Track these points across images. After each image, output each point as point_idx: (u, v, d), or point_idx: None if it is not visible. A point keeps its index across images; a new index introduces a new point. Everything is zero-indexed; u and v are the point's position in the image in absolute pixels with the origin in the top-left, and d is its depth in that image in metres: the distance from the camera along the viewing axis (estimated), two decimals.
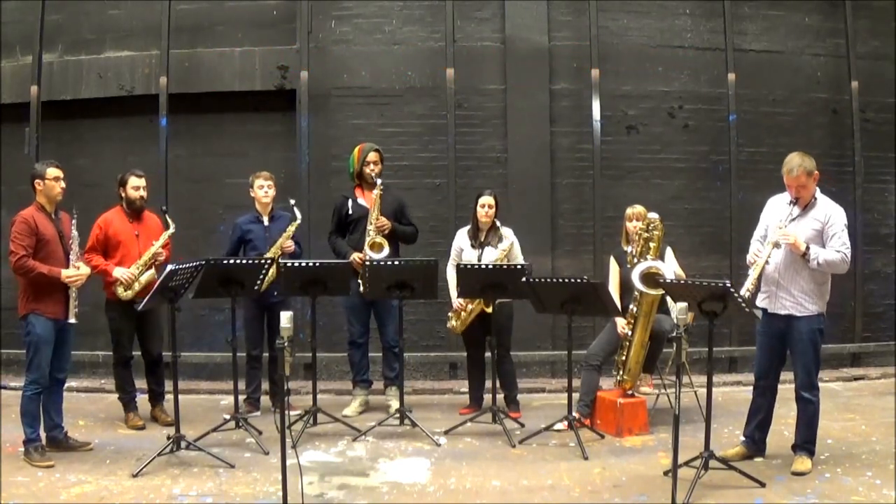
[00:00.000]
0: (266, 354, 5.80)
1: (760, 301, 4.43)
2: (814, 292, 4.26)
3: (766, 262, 4.25)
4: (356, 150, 5.80)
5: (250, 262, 5.28)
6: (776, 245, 4.23)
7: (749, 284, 4.20)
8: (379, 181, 5.60)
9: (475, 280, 5.21)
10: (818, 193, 4.32)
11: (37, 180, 4.71)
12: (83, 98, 7.14)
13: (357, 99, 7.10)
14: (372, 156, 5.70)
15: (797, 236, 4.18)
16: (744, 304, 4.05)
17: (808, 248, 4.16)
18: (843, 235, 4.20)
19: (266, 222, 5.75)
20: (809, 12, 7.32)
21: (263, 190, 5.71)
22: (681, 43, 7.19)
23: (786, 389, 4.47)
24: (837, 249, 4.16)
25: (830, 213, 4.25)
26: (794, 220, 4.27)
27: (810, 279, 4.25)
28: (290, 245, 5.65)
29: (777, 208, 4.41)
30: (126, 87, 7.08)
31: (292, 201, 5.82)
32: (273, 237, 5.67)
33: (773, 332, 4.39)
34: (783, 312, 4.30)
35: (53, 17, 7.09)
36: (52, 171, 4.70)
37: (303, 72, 6.91)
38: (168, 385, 5.29)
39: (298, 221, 5.73)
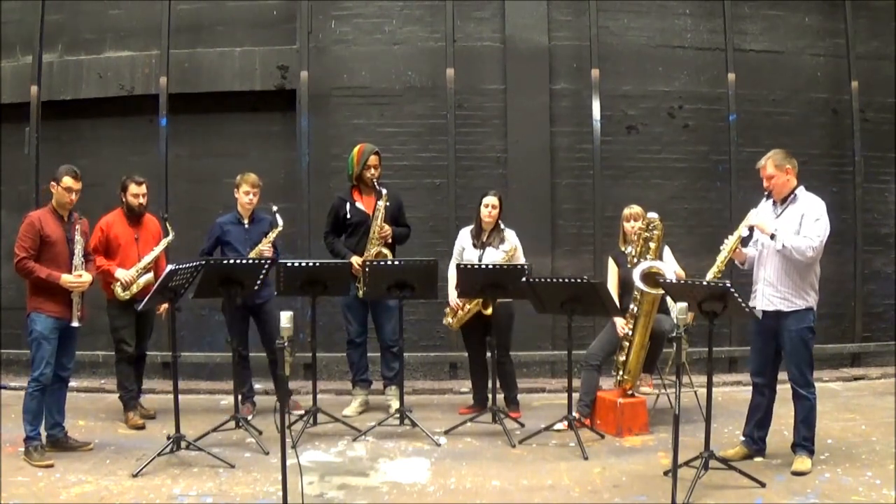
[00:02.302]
0: (252, 354, 5.80)
1: (751, 302, 4.46)
2: (798, 286, 4.31)
3: (735, 250, 4.40)
4: (355, 150, 5.73)
5: (250, 262, 5.27)
6: (741, 236, 4.38)
7: (714, 269, 4.38)
8: (384, 191, 5.56)
9: (475, 280, 5.21)
10: (800, 190, 4.41)
11: (52, 182, 4.71)
12: (83, 98, 7.13)
13: (357, 99, 7.09)
14: (373, 159, 5.64)
15: (762, 221, 4.33)
16: (744, 305, 4.08)
17: (775, 231, 4.28)
18: (815, 224, 4.27)
19: (246, 224, 5.72)
20: (809, 12, 7.31)
21: (249, 197, 5.66)
22: (681, 43, 7.19)
23: (786, 390, 4.46)
24: (805, 235, 4.25)
25: (808, 205, 4.35)
26: (777, 217, 4.40)
27: (792, 271, 4.30)
28: (268, 250, 5.58)
29: (762, 211, 4.53)
30: (126, 87, 7.08)
31: (275, 207, 5.72)
32: (252, 239, 5.63)
33: (766, 330, 4.43)
34: (771, 309, 4.35)
35: (53, 17, 7.08)
36: (67, 181, 4.65)
37: (303, 72, 6.91)
38: (166, 385, 5.28)
39: (280, 228, 5.66)
